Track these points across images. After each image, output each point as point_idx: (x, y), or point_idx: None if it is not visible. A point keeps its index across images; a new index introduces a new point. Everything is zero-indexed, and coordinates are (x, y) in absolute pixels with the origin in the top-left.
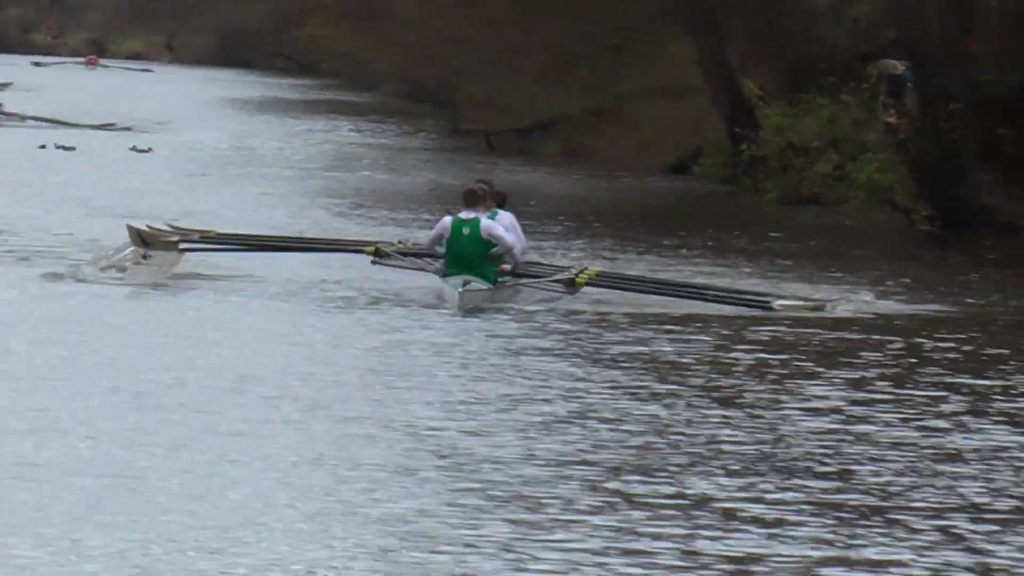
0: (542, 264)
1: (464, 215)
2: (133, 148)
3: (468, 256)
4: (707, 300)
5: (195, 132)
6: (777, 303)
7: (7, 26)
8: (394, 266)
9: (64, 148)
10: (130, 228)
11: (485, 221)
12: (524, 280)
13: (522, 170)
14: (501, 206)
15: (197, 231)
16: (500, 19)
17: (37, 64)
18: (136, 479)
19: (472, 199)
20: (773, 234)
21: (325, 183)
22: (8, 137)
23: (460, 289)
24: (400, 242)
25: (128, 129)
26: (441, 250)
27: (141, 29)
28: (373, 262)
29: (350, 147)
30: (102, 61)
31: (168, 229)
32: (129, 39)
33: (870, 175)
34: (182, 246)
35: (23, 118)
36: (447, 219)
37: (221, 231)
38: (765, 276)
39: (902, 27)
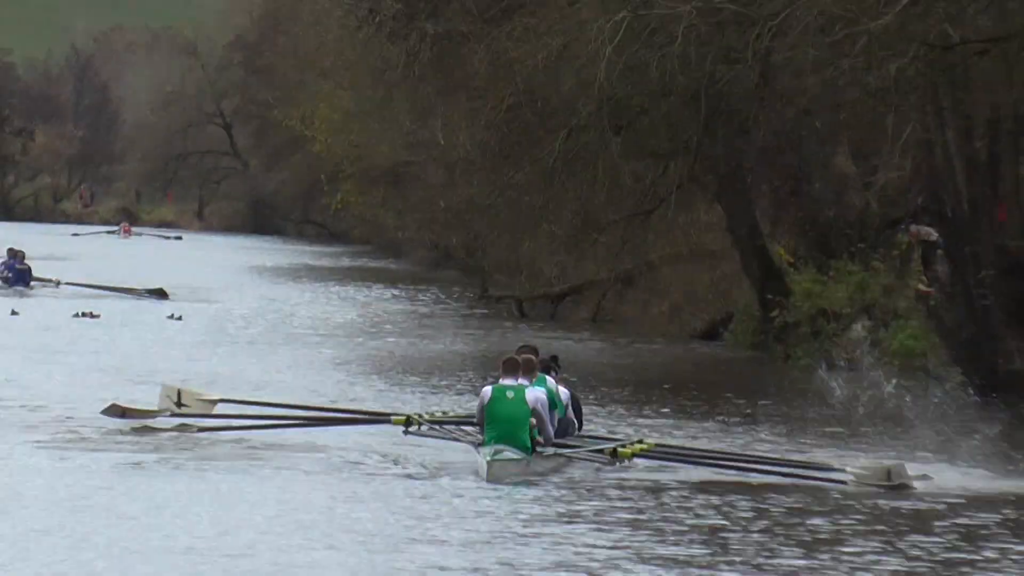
0: (591, 437)
1: (506, 381)
2: (170, 316)
3: (507, 422)
4: (770, 472)
5: (226, 299)
6: (848, 474)
7: (40, 195)
8: (425, 435)
9: (90, 315)
10: (164, 387)
11: (531, 390)
12: (565, 451)
13: (552, 337)
14: (547, 371)
15: (198, 399)
16: (527, 185)
17: (76, 235)
18: None
19: (512, 367)
20: (809, 402)
21: (355, 351)
22: (41, 304)
23: (490, 458)
24: (429, 414)
25: (164, 297)
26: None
27: (171, 196)
28: (404, 432)
29: (381, 314)
30: (134, 229)
31: (199, 393)
32: (159, 207)
33: (902, 341)
34: (217, 407)
35: (57, 284)
36: (488, 387)
37: (227, 399)
38: (810, 445)
39: (932, 194)
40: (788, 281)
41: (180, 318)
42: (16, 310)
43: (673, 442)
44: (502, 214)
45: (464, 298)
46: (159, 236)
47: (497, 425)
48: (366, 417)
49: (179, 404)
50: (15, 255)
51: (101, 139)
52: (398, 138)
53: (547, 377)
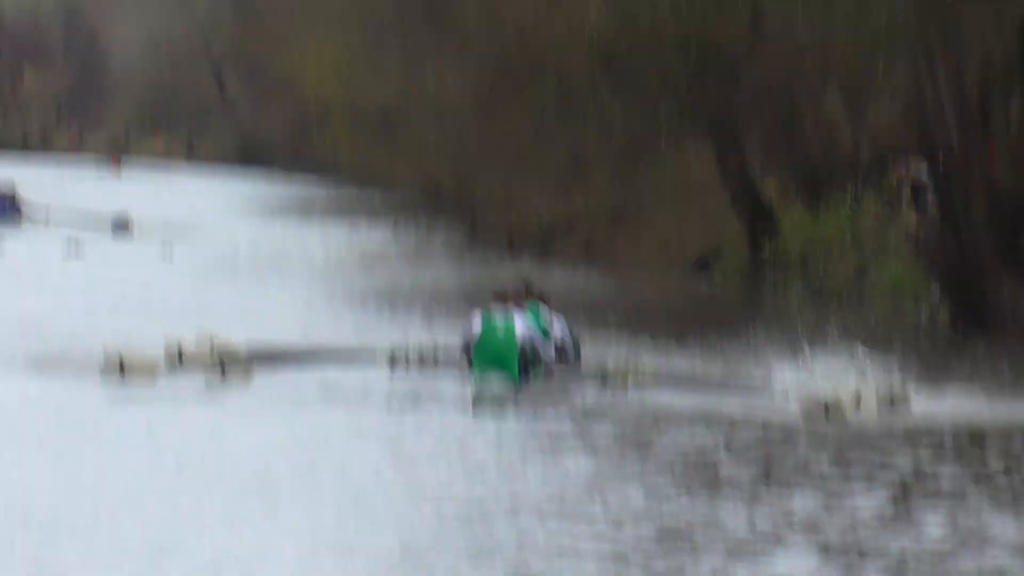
0: (589, 365)
1: (496, 311)
2: (162, 245)
3: (495, 353)
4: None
5: (216, 234)
6: (832, 400)
7: (28, 132)
8: (412, 370)
9: (77, 248)
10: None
11: (520, 319)
12: (556, 378)
13: (542, 271)
14: (544, 303)
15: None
16: (517, 122)
17: (59, 166)
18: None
19: (502, 297)
20: (799, 333)
21: (345, 285)
22: (34, 240)
23: (477, 389)
24: (415, 349)
25: (153, 234)
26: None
27: (160, 132)
28: (391, 367)
29: (372, 247)
30: (123, 163)
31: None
32: (148, 142)
33: (891, 277)
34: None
35: (48, 219)
36: (477, 316)
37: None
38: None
39: (922, 133)
40: (777, 216)
41: (172, 251)
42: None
43: (666, 368)
44: (492, 152)
45: (454, 234)
46: (150, 171)
47: (486, 356)
48: (353, 353)
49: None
50: (6, 186)
51: (90, 80)
52: (388, 83)
53: (540, 306)
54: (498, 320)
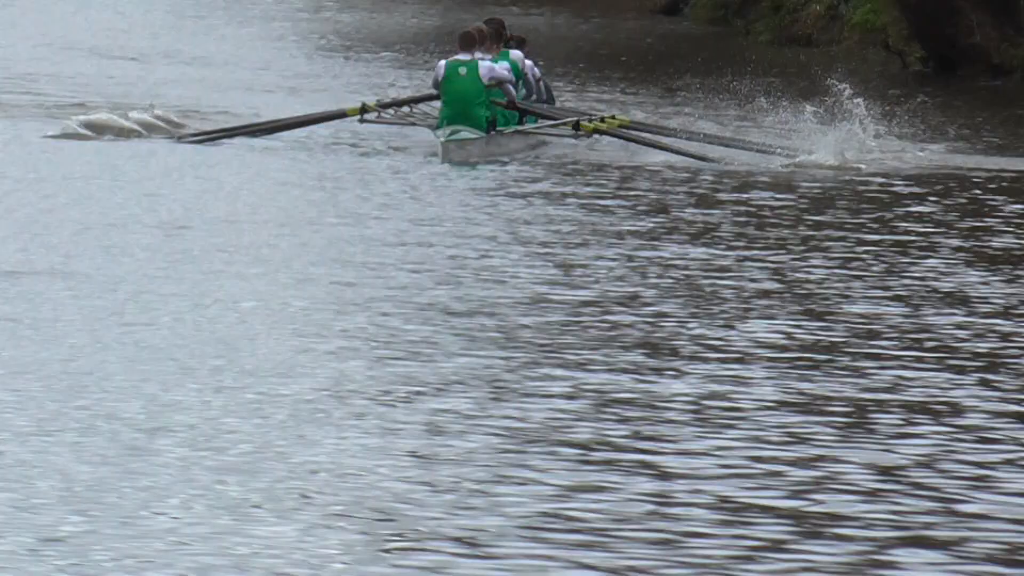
0: (558, 110)
1: (460, 57)
2: None
3: (462, 100)
4: (733, 148)
5: None
6: (800, 158)
7: None
8: (382, 122)
9: None
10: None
11: (485, 63)
12: (523, 128)
13: (512, 11)
14: (519, 47)
15: (177, 124)
16: None
17: None
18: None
19: (468, 41)
20: (767, 77)
21: (316, 25)
22: None
23: (443, 139)
24: (382, 100)
25: None
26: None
27: None
28: (360, 120)
29: None
30: None
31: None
32: None
33: (863, 16)
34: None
35: None
36: (442, 62)
37: (204, 127)
38: (768, 123)
39: None
40: None
41: None
42: None
43: (638, 119)
44: None
45: None
46: None
47: (451, 104)
48: (321, 116)
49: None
50: None
51: None
52: None
53: (512, 52)
54: (462, 66)
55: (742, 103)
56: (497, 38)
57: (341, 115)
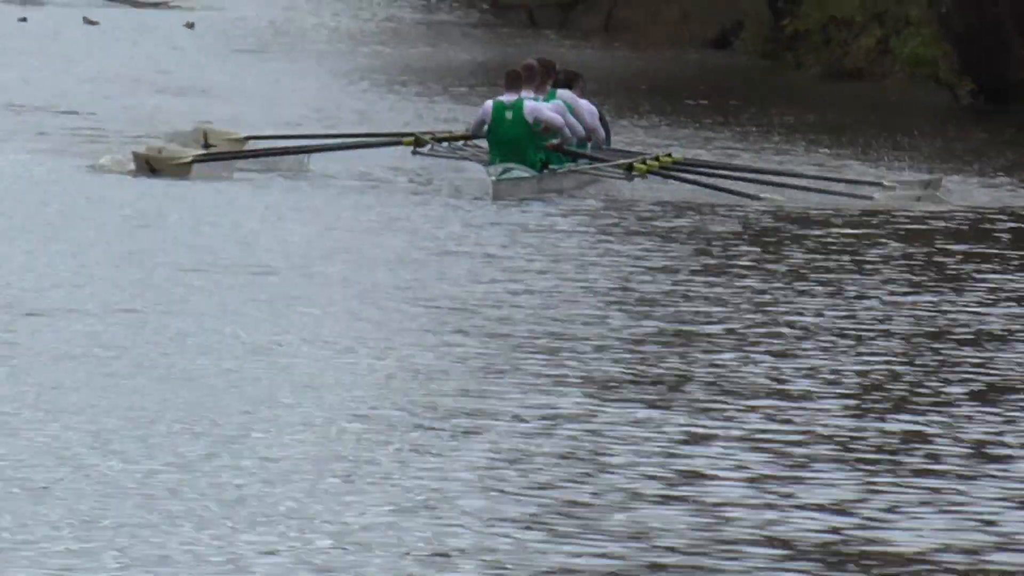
0: (615, 151)
1: (506, 98)
2: (186, 24)
3: (510, 141)
4: (793, 187)
5: (238, 6)
6: (880, 193)
7: None
8: (435, 155)
9: (89, 22)
10: (193, 130)
11: (530, 103)
12: (577, 167)
13: (564, 45)
14: (569, 86)
15: (226, 138)
16: None
17: None
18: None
19: (514, 80)
20: (823, 111)
21: (367, 60)
22: (50, 13)
23: (494, 178)
24: (438, 133)
25: (176, 7)
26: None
27: None
28: (413, 152)
29: (392, 21)
30: None
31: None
32: None
33: (913, 49)
34: (248, 144)
35: None
36: (488, 103)
37: (254, 135)
38: (830, 157)
39: None
40: None
41: (193, 26)
42: (24, 16)
43: (691, 155)
44: None
45: (475, 6)
46: None
47: (500, 145)
48: (378, 140)
49: (207, 145)
50: None
51: None
52: None
53: (562, 91)
54: (508, 106)
55: (800, 141)
56: (546, 76)
57: (396, 142)
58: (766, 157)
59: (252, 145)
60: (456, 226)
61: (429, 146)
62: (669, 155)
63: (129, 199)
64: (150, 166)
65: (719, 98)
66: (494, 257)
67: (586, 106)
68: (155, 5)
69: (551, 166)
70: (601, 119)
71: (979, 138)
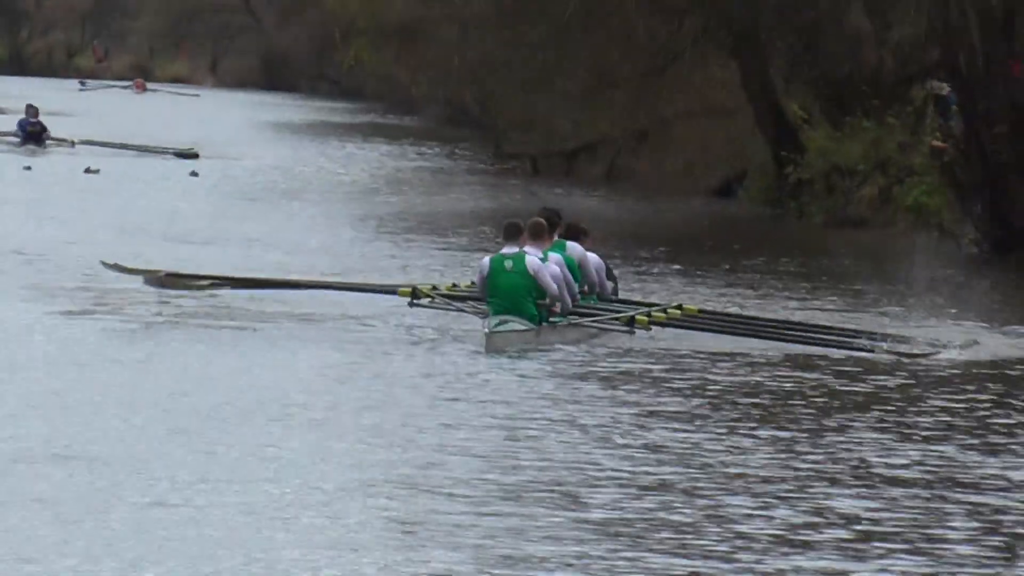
0: (621, 302)
1: (506, 250)
2: (191, 173)
3: (508, 294)
4: (796, 340)
5: (241, 156)
6: (882, 345)
7: (53, 50)
8: (432, 308)
9: (90, 171)
10: (146, 275)
11: (532, 259)
12: (578, 321)
13: (567, 194)
14: (575, 238)
15: (222, 278)
16: (541, 42)
17: (83, 85)
18: (189, 509)
19: (513, 232)
20: (828, 259)
21: (371, 208)
22: (59, 162)
23: (489, 330)
24: (435, 287)
25: (195, 157)
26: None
27: (185, 52)
28: (410, 304)
29: (395, 171)
30: (148, 85)
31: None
32: (172, 63)
33: (917, 198)
34: (207, 283)
35: (72, 143)
36: (485, 259)
37: (249, 277)
38: (832, 308)
39: (946, 50)
40: (802, 138)
41: (197, 174)
42: (29, 165)
43: (695, 306)
44: (516, 71)
45: (478, 155)
46: (175, 93)
47: (499, 298)
48: (372, 288)
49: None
50: (31, 111)
51: None
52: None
53: (569, 243)
54: (508, 260)
55: (806, 291)
56: (550, 229)
57: (392, 292)
58: (772, 307)
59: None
60: (449, 377)
61: (428, 299)
62: (679, 307)
63: (118, 345)
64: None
65: (723, 247)
66: (487, 404)
67: (594, 260)
68: (162, 152)
69: (552, 319)
70: (608, 272)
71: (982, 287)
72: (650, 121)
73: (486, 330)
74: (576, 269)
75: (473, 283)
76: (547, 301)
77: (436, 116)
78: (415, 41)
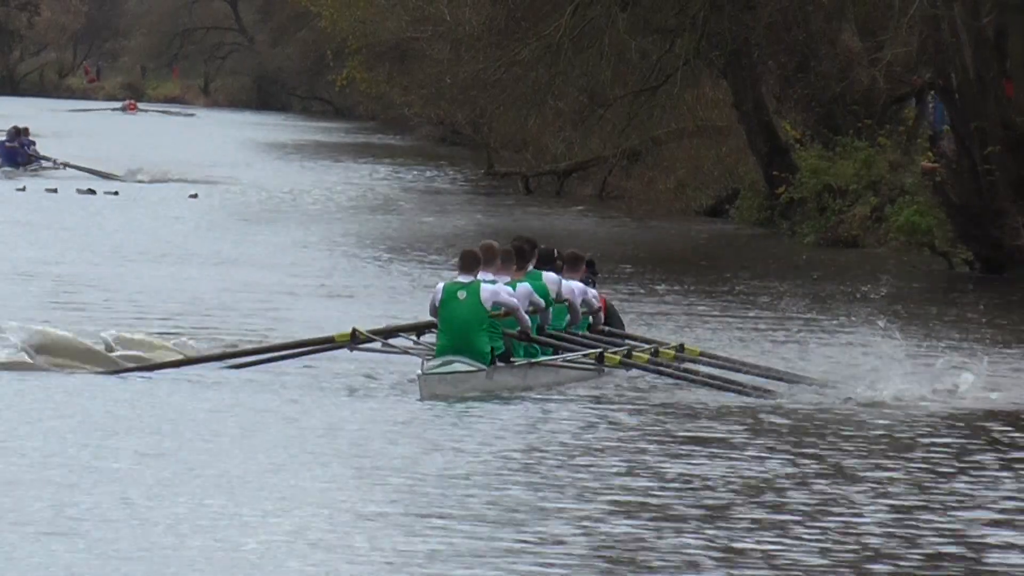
0: (593, 338)
1: (462, 278)
2: (191, 195)
3: (459, 328)
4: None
5: (234, 177)
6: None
7: (44, 71)
8: (375, 351)
9: (85, 192)
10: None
11: (488, 286)
12: (538, 359)
13: (558, 214)
14: (548, 267)
15: (171, 349)
16: (533, 61)
17: (74, 110)
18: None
19: (470, 262)
20: (818, 279)
21: (363, 227)
22: (48, 184)
23: (419, 372)
24: (373, 329)
25: (178, 181)
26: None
27: (177, 72)
28: (351, 349)
29: (387, 190)
30: (140, 106)
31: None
32: (165, 83)
33: (908, 217)
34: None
35: (64, 165)
36: (440, 284)
37: (193, 350)
38: (823, 334)
39: (938, 70)
40: (794, 158)
41: (196, 195)
42: (23, 187)
43: (675, 344)
44: (508, 90)
45: (470, 175)
46: (166, 113)
47: (447, 332)
48: (311, 348)
49: (109, 350)
50: (19, 132)
51: (106, 14)
52: (404, 13)
53: (546, 275)
54: (461, 289)
55: (798, 312)
56: (521, 258)
57: (330, 342)
58: (765, 333)
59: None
60: (371, 430)
61: (370, 341)
62: (682, 347)
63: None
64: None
65: (711, 266)
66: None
67: (580, 291)
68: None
69: (512, 358)
70: (608, 309)
71: (977, 309)
72: (642, 141)
73: (418, 372)
74: (548, 300)
75: (408, 323)
76: (517, 332)
77: (428, 135)
78: (407, 60)
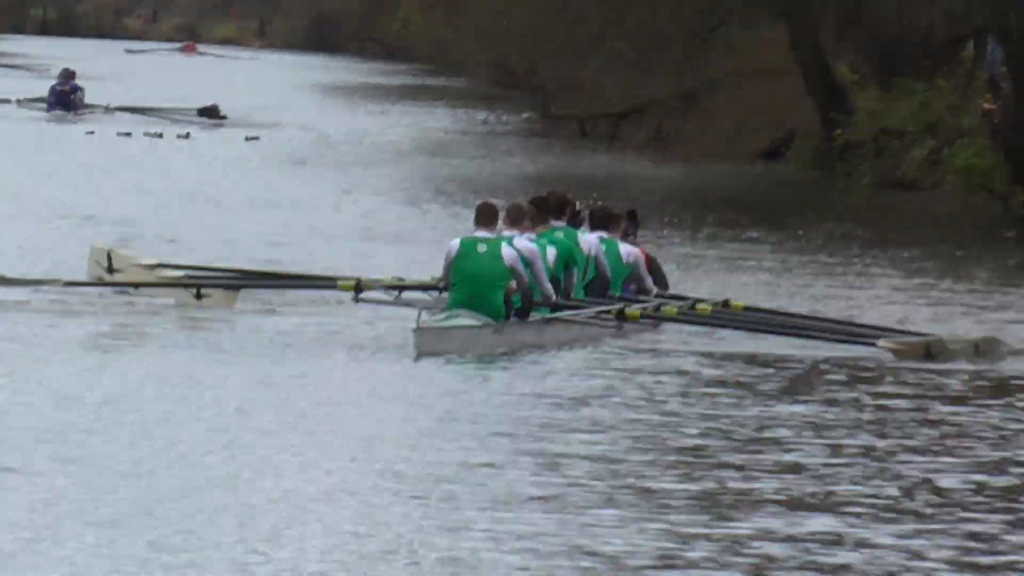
0: (670, 297)
1: (480, 233)
2: (248, 137)
3: (478, 282)
4: (807, 336)
5: (291, 121)
6: (881, 343)
7: (101, 11)
8: (379, 302)
9: (250, 139)
10: (94, 250)
11: (509, 250)
12: (557, 315)
13: (614, 157)
14: (606, 227)
15: (134, 264)
16: (590, 3)
17: (130, 51)
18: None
19: (487, 217)
20: (875, 224)
21: (418, 170)
22: (97, 127)
23: (414, 326)
24: (381, 279)
25: (217, 115)
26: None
27: (234, 13)
28: (355, 299)
29: (442, 134)
30: (199, 47)
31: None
32: (220, 24)
33: (966, 160)
34: (156, 272)
35: (108, 108)
36: (455, 241)
37: (167, 264)
38: (872, 286)
39: (996, 12)
40: (851, 100)
41: (257, 138)
42: (92, 130)
43: (741, 303)
44: (564, 33)
45: (525, 118)
46: (222, 56)
47: (463, 286)
48: (311, 282)
49: (111, 270)
50: (68, 76)
51: None
52: None
53: (575, 231)
54: (482, 243)
55: (854, 259)
56: (543, 214)
57: (331, 285)
58: (815, 279)
59: (162, 273)
60: (374, 387)
61: (373, 291)
62: (727, 302)
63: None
64: (109, 266)
65: (767, 210)
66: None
67: (626, 250)
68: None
69: (533, 312)
70: (653, 265)
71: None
72: (698, 83)
73: (413, 325)
74: (577, 255)
75: (434, 277)
76: (513, 285)
77: (484, 78)
78: (463, 3)
